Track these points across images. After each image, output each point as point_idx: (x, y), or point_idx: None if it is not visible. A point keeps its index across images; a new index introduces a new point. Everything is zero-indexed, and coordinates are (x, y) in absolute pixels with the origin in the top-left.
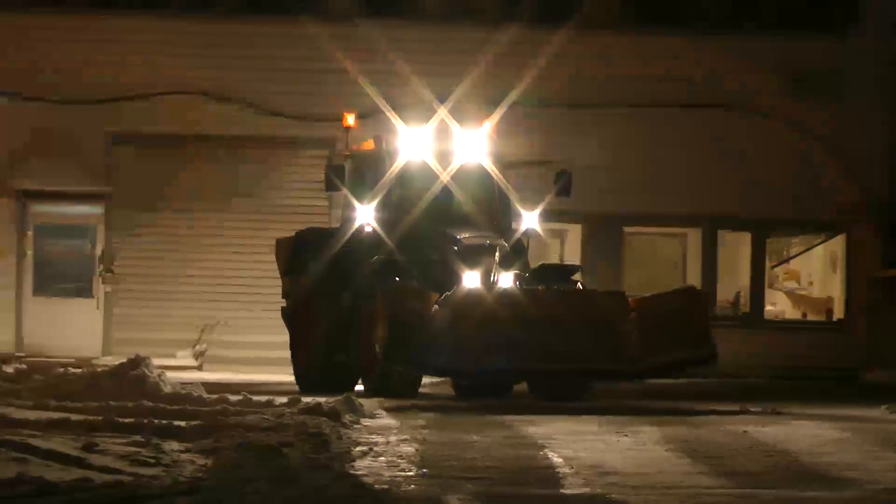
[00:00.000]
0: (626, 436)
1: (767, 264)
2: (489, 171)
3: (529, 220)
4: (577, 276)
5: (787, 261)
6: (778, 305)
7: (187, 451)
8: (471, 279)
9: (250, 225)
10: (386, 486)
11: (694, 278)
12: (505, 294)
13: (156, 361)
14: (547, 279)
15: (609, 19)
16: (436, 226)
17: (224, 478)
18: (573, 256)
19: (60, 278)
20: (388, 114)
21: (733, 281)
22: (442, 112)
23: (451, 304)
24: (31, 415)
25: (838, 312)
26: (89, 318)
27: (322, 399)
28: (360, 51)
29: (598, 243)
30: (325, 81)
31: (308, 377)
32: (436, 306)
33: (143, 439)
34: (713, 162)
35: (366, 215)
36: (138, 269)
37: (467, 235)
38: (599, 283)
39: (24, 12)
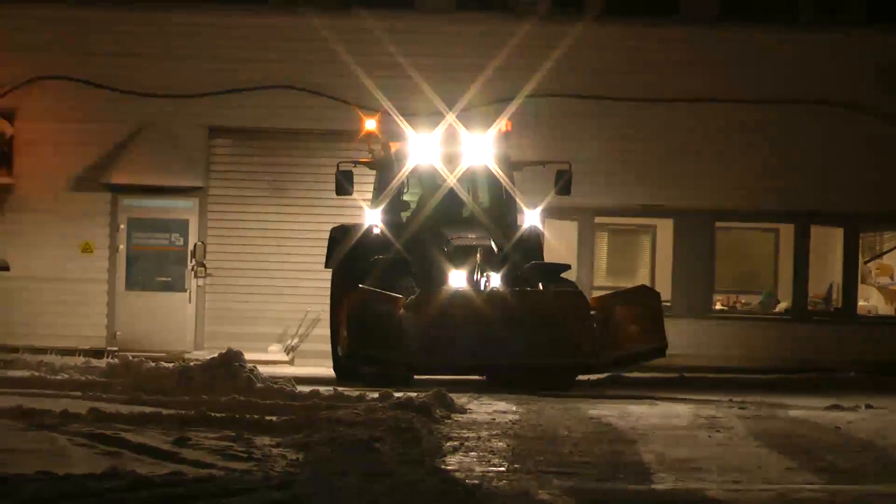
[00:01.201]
0: (718, 431)
1: (860, 259)
2: (495, 172)
3: (532, 217)
4: (567, 274)
5: (879, 256)
6: (871, 301)
7: (279, 445)
8: (456, 278)
9: (343, 220)
10: (477, 482)
11: (786, 274)
12: (465, 295)
13: (247, 356)
14: (536, 278)
15: (699, 13)
16: (438, 227)
17: (315, 472)
18: (664, 252)
19: (153, 272)
20: (397, 119)
21: (826, 276)
22: (451, 117)
23: (413, 307)
24: (124, 409)
25: None
26: (181, 313)
27: (413, 394)
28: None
29: (688, 239)
30: (413, 76)
31: (341, 367)
32: (402, 309)
33: (235, 434)
34: (805, 157)
35: (373, 217)
36: (230, 264)
37: (458, 236)
38: (689, 278)
39: (121, 6)
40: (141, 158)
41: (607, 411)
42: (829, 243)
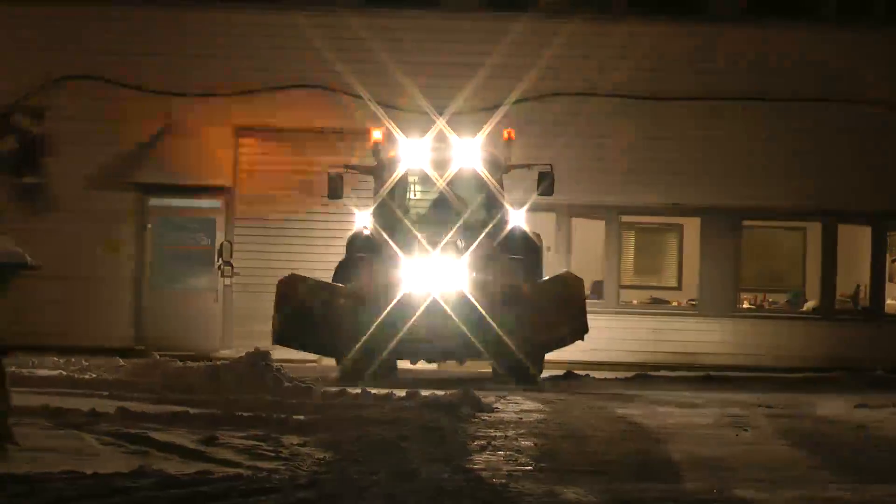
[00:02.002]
0: (745, 430)
1: (888, 258)
2: (482, 175)
3: (516, 217)
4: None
5: None
6: None
7: (306, 444)
8: (415, 271)
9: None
10: (504, 481)
11: (813, 272)
12: (401, 286)
13: (274, 355)
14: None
15: (726, 11)
16: (416, 227)
17: (343, 471)
18: (691, 251)
19: (180, 271)
20: (388, 123)
21: (853, 275)
22: (440, 122)
23: (348, 295)
24: (151, 408)
25: None
26: (208, 312)
27: (440, 393)
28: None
29: (715, 237)
30: (441, 75)
31: (345, 369)
32: (342, 298)
33: (262, 433)
34: (833, 155)
35: (363, 219)
36: (257, 263)
37: (427, 234)
38: (716, 277)
39: (149, 6)
40: (168, 158)
41: (634, 410)
42: (856, 242)
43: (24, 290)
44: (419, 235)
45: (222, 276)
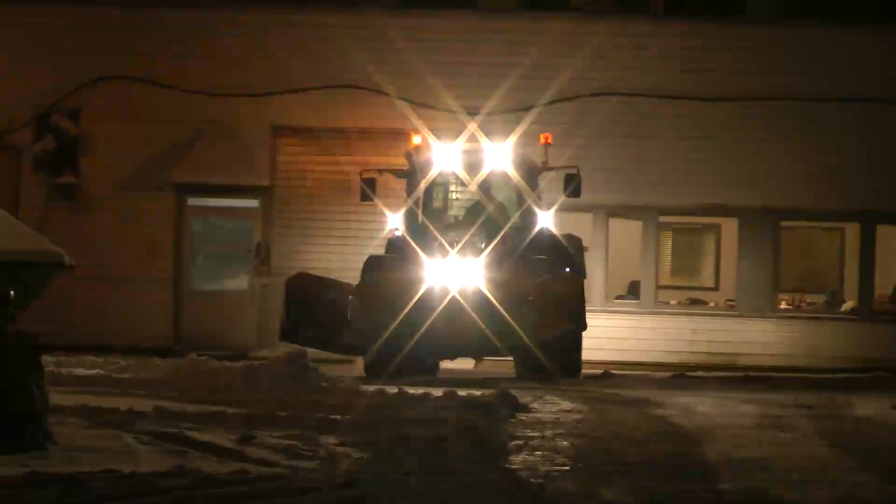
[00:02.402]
0: (783, 431)
1: None
2: (512, 178)
3: (544, 219)
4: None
5: None
6: None
7: (344, 444)
8: (434, 270)
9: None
10: (541, 481)
11: (851, 273)
12: (411, 283)
13: (312, 355)
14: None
15: (764, 12)
16: (440, 228)
17: (380, 471)
18: (729, 251)
19: (217, 271)
20: (422, 127)
21: (892, 275)
22: (471, 126)
23: (359, 293)
24: (189, 408)
25: None
26: (246, 311)
27: (478, 392)
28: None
29: (753, 238)
30: (476, 75)
31: (370, 366)
32: (351, 295)
33: (299, 433)
34: (872, 156)
35: (395, 221)
36: (294, 262)
37: (449, 235)
38: (754, 277)
39: (185, 8)
40: (205, 158)
41: (672, 410)
42: (894, 242)
43: (62, 290)
44: (441, 237)
45: (259, 275)
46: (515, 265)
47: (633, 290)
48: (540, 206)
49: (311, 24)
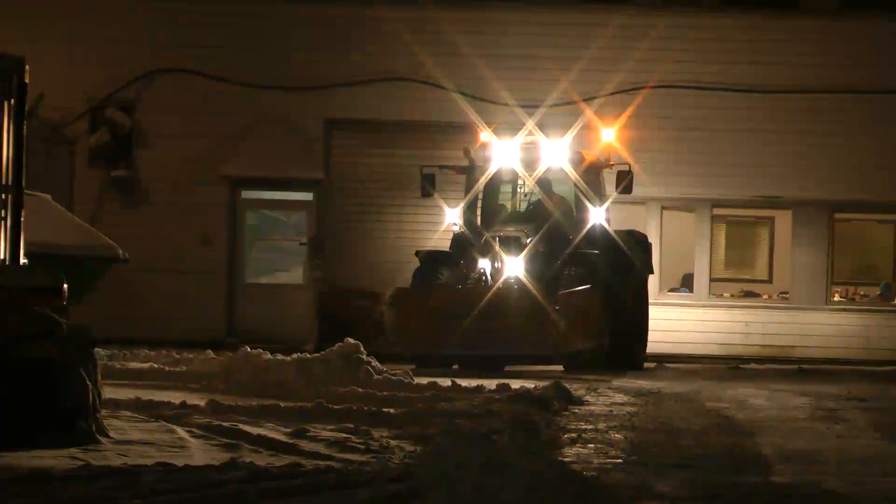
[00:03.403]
0: (837, 424)
1: None
2: (569, 174)
3: (597, 215)
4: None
5: None
6: None
7: (397, 437)
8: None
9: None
10: (595, 474)
11: None
12: (442, 290)
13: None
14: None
15: (819, 4)
16: (493, 224)
17: (433, 464)
18: (783, 244)
19: (271, 264)
20: (478, 123)
21: None
22: (529, 122)
23: (392, 301)
24: (242, 401)
25: None
26: (300, 304)
27: (531, 385)
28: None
29: (807, 230)
30: (536, 68)
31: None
32: (384, 304)
33: (352, 426)
34: None
35: (453, 217)
36: (348, 255)
37: (497, 230)
38: (808, 270)
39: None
40: (259, 150)
41: (725, 403)
42: None
43: (116, 283)
44: (495, 233)
45: (313, 268)
46: (563, 263)
47: (687, 283)
48: (601, 203)
49: (368, 18)
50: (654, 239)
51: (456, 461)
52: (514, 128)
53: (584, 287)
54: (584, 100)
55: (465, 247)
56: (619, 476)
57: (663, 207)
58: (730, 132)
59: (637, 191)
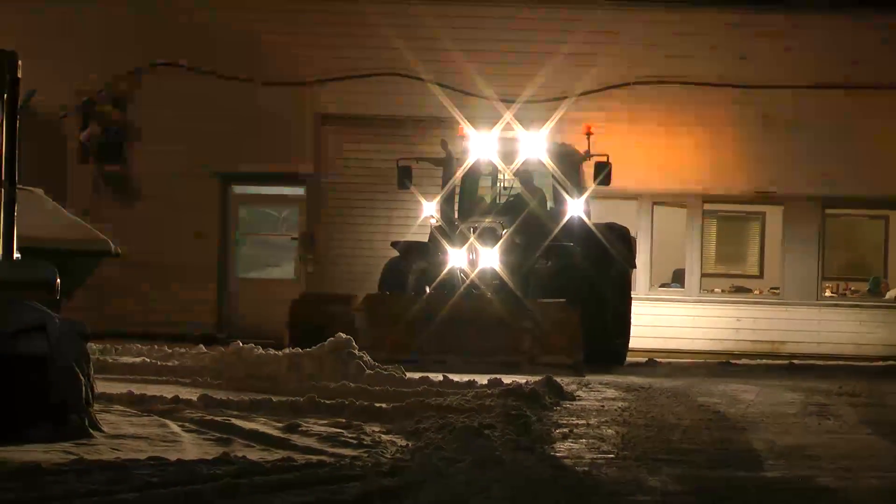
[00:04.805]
0: (828, 419)
1: None
2: (547, 167)
3: (575, 207)
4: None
5: None
6: None
7: (389, 432)
8: (453, 257)
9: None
10: (587, 469)
11: (895, 261)
12: (413, 296)
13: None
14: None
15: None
16: (467, 216)
17: (425, 459)
18: (773, 239)
19: (262, 259)
20: (456, 116)
21: None
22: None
23: (363, 307)
24: (234, 396)
25: None
26: (290, 299)
27: (522, 381)
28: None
29: (798, 226)
30: (515, 63)
31: None
32: (357, 309)
33: (344, 420)
34: None
35: (430, 209)
36: (340, 251)
37: (472, 221)
38: (799, 265)
39: None
40: (251, 145)
41: (716, 399)
42: None
43: (108, 278)
44: (471, 226)
45: (305, 263)
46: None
47: (678, 278)
48: (579, 195)
49: (354, 13)
50: (644, 234)
51: (448, 456)
52: (496, 121)
53: (559, 301)
54: (564, 96)
55: (442, 238)
56: (611, 471)
57: (654, 202)
58: (720, 127)
59: (628, 186)
